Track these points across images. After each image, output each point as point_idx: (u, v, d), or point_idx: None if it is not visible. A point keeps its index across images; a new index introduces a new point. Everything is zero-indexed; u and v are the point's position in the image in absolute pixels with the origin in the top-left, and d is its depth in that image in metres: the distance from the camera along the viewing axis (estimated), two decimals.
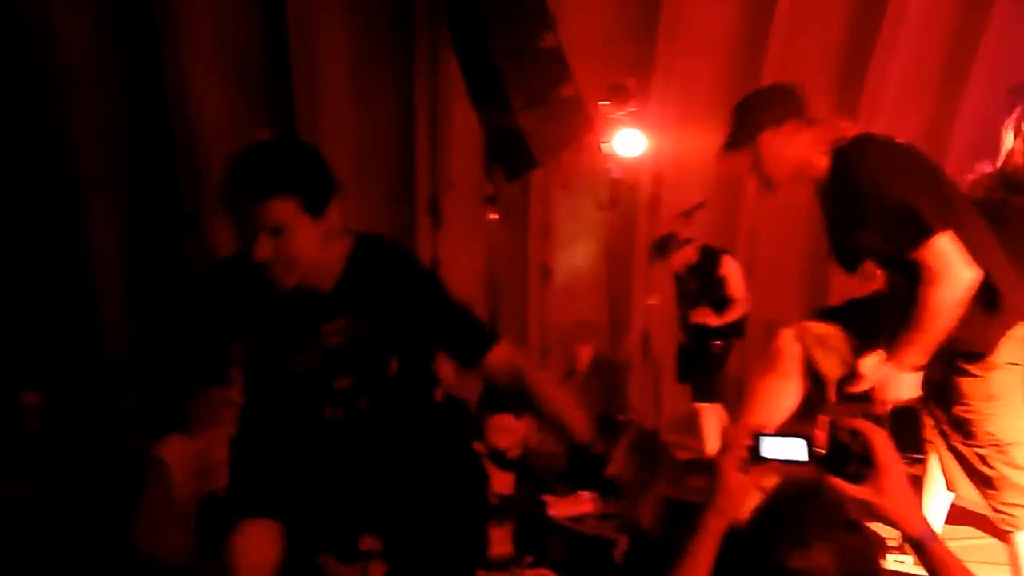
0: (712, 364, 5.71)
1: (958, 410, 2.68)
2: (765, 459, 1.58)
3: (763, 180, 2.81)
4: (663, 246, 5.90)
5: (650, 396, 6.75)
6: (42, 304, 5.76)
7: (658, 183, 7.08)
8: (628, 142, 6.44)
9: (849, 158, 2.64)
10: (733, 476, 1.58)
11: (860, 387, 2.70)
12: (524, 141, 5.54)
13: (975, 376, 2.62)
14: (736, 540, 1.53)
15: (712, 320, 5.65)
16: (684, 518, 3.36)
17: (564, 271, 7.13)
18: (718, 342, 5.66)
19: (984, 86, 7.30)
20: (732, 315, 5.62)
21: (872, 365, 2.65)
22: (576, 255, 7.11)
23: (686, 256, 5.79)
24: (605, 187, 6.64)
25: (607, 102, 6.38)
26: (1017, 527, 2.63)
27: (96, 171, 5.72)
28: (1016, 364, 2.62)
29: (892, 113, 7.16)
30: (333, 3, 6.06)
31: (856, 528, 1.43)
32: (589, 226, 7.04)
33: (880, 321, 2.79)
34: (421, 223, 6.58)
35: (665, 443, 5.86)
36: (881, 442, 1.47)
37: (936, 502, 3.56)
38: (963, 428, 2.67)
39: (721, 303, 5.62)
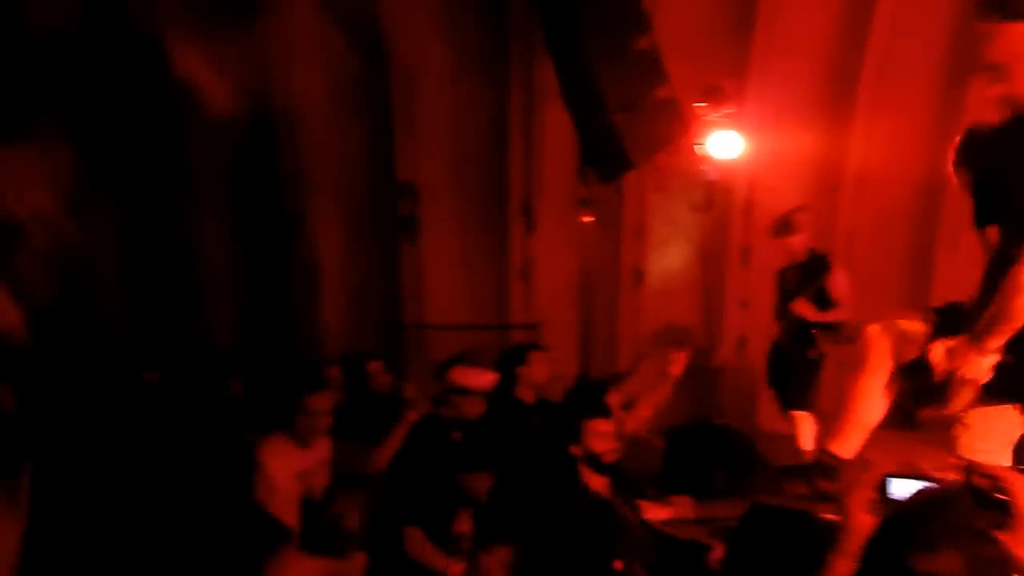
0: (807, 371, 5.60)
1: None
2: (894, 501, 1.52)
3: (984, 63, 2.62)
4: (786, 225, 5.71)
5: (746, 401, 6.67)
6: (157, 297, 6.06)
7: (753, 185, 6.98)
8: (724, 144, 6.38)
9: None
10: (861, 518, 1.52)
11: (934, 377, 2.61)
12: (619, 143, 5.54)
13: None
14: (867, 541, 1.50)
15: (811, 313, 5.54)
16: (781, 525, 3.31)
17: (657, 273, 7.10)
18: (814, 349, 5.55)
19: None
20: (832, 316, 5.51)
21: (940, 352, 2.57)
22: (670, 257, 7.06)
23: (800, 243, 5.69)
24: (700, 189, 6.60)
25: (703, 104, 6.33)
26: None
27: (209, 178, 6.01)
28: None
29: None
30: (429, 9, 6.18)
31: (990, 538, 1.38)
32: (683, 228, 6.99)
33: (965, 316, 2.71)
34: (514, 225, 6.64)
35: (760, 450, 5.77)
36: (1022, 488, 1.40)
37: None
38: None
39: (823, 300, 5.53)
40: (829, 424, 3.15)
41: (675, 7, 6.76)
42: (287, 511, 3.51)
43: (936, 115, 6.85)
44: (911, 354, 2.79)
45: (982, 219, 2.67)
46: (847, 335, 5.47)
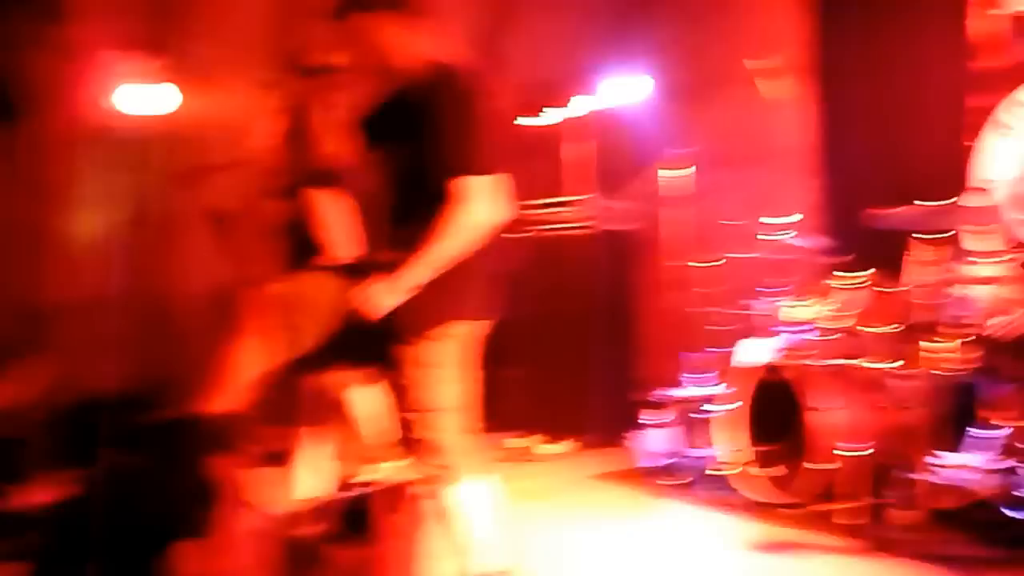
0: None
1: (395, 375, 2.79)
2: None
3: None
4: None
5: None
6: None
7: (181, 143, 6.64)
8: (147, 98, 5.99)
9: None
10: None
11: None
12: (8, 85, 4.92)
13: (410, 343, 2.73)
14: None
15: None
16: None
17: (80, 238, 6.44)
18: None
19: None
20: None
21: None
22: (89, 223, 6.44)
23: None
24: (121, 146, 6.11)
25: (124, 52, 5.90)
26: (444, 485, 2.78)
27: None
28: (450, 337, 2.77)
29: None
30: None
31: None
32: (103, 190, 6.40)
33: None
34: None
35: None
36: None
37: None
38: (401, 394, 2.78)
39: None
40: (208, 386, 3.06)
41: None
42: None
43: None
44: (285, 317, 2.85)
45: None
46: None
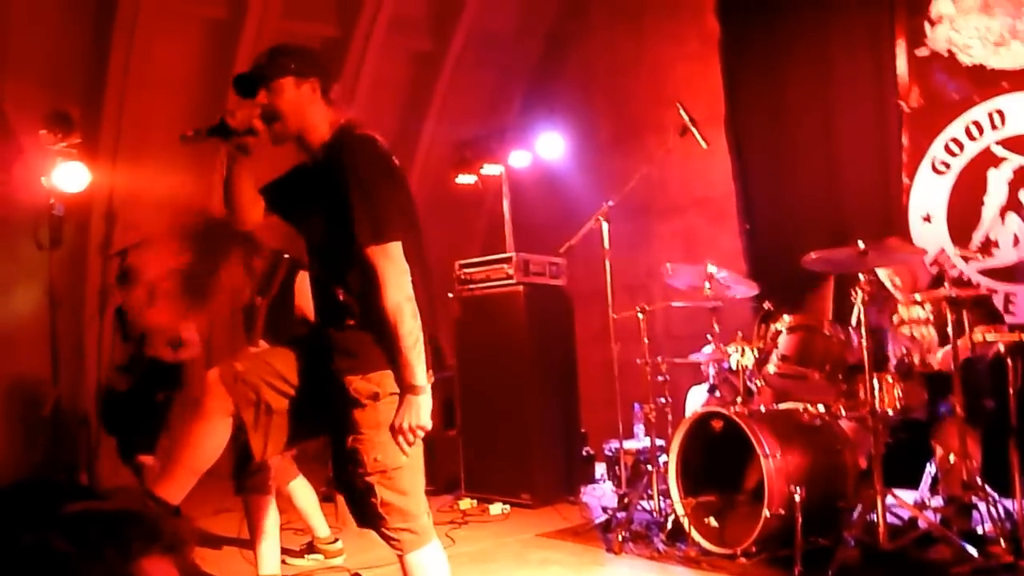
0: (154, 415, 5.44)
1: (351, 440, 2.68)
2: None
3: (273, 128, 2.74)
4: (125, 277, 5.50)
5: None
6: None
7: (110, 222, 6.58)
8: (71, 176, 5.93)
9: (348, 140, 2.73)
10: None
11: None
12: None
13: (366, 406, 2.66)
14: None
15: (168, 355, 5.45)
16: None
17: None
18: (160, 395, 5.43)
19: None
20: (184, 354, 5.43)
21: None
22: (13, 300, 6.29)
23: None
24: (46, 225, 6.01)
25: (48, 131, 5.83)
26: (404, 550, 2.70)
27: None
28: (396, 393, 2.70)
29: None
30: None
31: None
32: (28, 268, 6.27)
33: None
34: None
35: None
36: None
37: (270, 547, 4.04)
38: (354, 457, 2.68)
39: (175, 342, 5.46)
40: (163, 468, 2.97)
41: (23, 22, 6.14)
42: None
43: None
44: (240, 395, 2.77)
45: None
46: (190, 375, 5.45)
